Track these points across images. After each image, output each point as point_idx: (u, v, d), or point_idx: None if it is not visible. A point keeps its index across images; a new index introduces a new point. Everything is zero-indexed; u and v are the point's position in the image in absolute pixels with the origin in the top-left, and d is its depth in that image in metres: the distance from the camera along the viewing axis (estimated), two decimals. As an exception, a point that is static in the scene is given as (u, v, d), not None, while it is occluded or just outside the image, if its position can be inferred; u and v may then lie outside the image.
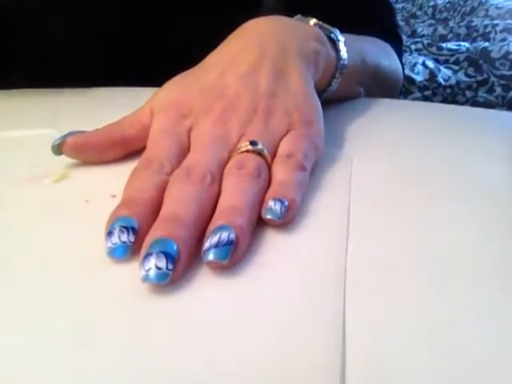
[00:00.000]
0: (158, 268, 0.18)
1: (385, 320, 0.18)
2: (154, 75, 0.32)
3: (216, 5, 0.43)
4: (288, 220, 0.22)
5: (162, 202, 0.22)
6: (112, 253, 0.20)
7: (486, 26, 1.01)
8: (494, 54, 0.84)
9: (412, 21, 1.25)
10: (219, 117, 0.27)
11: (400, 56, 0.50)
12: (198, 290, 0.19)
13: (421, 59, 0.86)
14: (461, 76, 0.83)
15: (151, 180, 0.23)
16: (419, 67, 0.83)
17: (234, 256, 0.19)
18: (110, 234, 0.20)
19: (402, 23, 1.22)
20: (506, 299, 0.19)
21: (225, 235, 0.20)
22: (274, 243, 0.21)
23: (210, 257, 0.19)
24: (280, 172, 0.24)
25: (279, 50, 0.31)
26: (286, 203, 0.22)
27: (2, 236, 0.22)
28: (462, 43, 0.91)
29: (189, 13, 0.43)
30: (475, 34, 1.01)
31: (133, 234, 0.20)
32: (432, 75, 0.82)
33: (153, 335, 0.17)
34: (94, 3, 0.43)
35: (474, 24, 1.05)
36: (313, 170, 0.27)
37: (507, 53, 0.84)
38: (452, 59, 0.87)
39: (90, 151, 0.27)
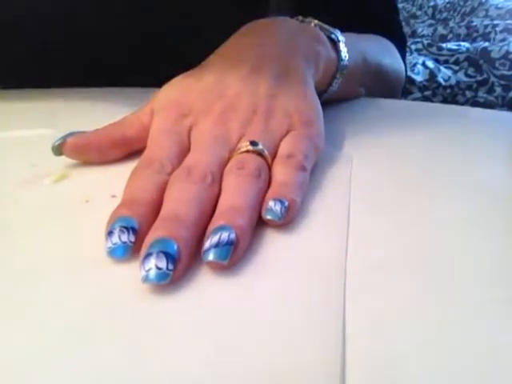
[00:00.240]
0: (159, 268, 0.18)
1: (385, 320, 0.18)
2: (154, 76, 0.32)
3: (218, 6, 0.43)
4: (288, 220, 0.22)
5: (163, 201, 0.22)
6: (112, 253, 0.20)
7: (486, 26, 1.01)
8: (494, 54, 0.84)
9: (412, 21, 1.24)
10: (219, 117, 0.27)
11: (403, 55, 0.50)
12: (198, 290, 0.19)
13: (421, 59, 0.86)
14: (461, 76, 0.83)
15: (152, 180, 0.23)
16: (419, 67, 0.83)
17: (234, 256, 0.20)
18: (110, 233, 0.20)
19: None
20: (506, 300, 0.19)
21: (225, 235, 0.20)
22: (273, 243, 0.21)
23: (210, 257, 0.19)
24: (280, 172, 0.24)
25: (280, 51, 0.31)
26: (286, 203, 0.22)
27: (2, 236, 0.22)
28: (462, 43, 0.91)
29: (190, 13, 0.43)
30: (475, 34, 1.01)
31: (133, 234, 0.20)
32: (432, 75, 0.82)
33: (153, 335, 0.17)
34: (94, 3, 0.43)
35: (474, 24, 1.05)
36: (313, 170, 0.27)
37: (507, 53, 0.83)
38: (452, 59, 0.87)
39: (90, 152, 0.27)
